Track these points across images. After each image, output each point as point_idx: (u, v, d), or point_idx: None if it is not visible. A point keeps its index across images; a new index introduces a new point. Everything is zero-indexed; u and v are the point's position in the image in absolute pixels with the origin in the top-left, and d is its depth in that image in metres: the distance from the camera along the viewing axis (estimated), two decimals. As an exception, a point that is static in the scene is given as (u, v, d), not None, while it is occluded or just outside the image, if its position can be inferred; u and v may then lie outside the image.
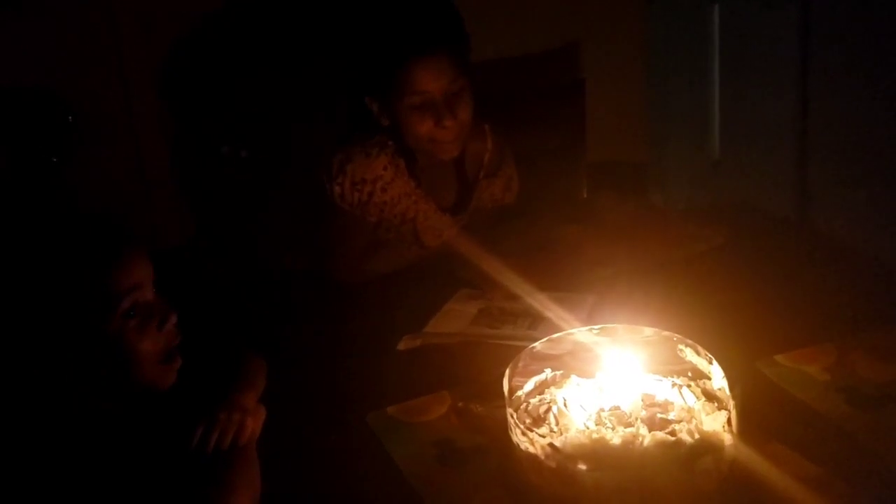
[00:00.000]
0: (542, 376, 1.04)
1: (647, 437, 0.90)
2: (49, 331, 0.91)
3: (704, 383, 0.99)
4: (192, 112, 1.98)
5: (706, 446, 0.90)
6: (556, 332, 1.07)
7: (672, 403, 0.98)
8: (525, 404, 1.01)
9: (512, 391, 0.99)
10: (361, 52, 1.53)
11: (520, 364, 1.02)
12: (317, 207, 1.54)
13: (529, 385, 1.03)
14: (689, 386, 0.99)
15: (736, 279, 1.38)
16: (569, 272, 1.41)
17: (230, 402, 1.01)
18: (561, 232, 1.55)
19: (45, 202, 1.01)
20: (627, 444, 0.90)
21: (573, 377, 1.03)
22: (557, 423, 0.96)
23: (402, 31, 1.48)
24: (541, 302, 1.29)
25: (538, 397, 1.01)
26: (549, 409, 0.98)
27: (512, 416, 0.94)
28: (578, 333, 1.06)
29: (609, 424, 0.94)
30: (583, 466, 0.88)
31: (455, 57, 1.48)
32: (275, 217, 1.74)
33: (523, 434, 0.92)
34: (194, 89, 1.95)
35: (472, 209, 1.61)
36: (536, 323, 1.28)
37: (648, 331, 1.04)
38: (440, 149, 1.50)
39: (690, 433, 0.90)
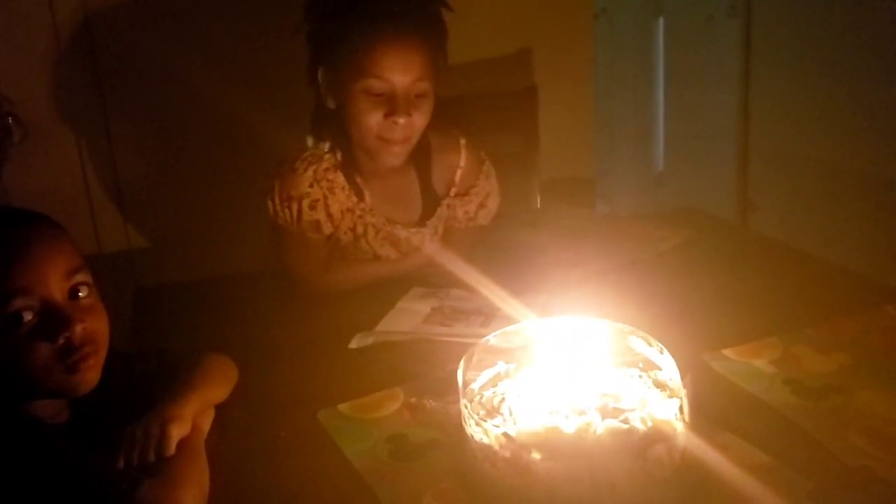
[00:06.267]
0: (495, 370, 1.03)
1: (599, 426, 0.91)
2: None
3: (655, 374, 1.00)
4: (135, 116, 1.95)
5: (658, 434, 0.90)
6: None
7: (624, 393, 0.98)
8: (479, 397, 1.00)
9: (466, 384, 0.99)
10: (326, 13, 1.37)
11: (474, 358, 1.02)
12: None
13: (483, 378, 1.03)
14: (640, 376, 1.00)
15: (682, 279, 1.41)
16: (531, 274, 1.40)
17: (154, 413, 0.99)
18: (521, 236, 1.55)
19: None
20: (581, 433, 0.90)
21: (526, 369, 1.03)
22: (511, 414, 0.95)
23: (378, 9, 1.34)
24: (497, 296, 1.29)
25: (491, 390, 1.01)
26: (502, 401, 0.98)
27: (466, 408, 0.94)
28: (531, 326, 1.07)
29: (562, 414, 0.94)
30: (536, 455, 0.88)
31: (429, 56, 1.36)
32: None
33: (477, 425, 0.92)
34: (139, 90, 1.92)
35: (443, 224, 1.50)
36: (489, 321, 1.28)
37: (600, 323, 1.04)
38: (385, 150, 1.38)
39: (643, 421, 0.91)
